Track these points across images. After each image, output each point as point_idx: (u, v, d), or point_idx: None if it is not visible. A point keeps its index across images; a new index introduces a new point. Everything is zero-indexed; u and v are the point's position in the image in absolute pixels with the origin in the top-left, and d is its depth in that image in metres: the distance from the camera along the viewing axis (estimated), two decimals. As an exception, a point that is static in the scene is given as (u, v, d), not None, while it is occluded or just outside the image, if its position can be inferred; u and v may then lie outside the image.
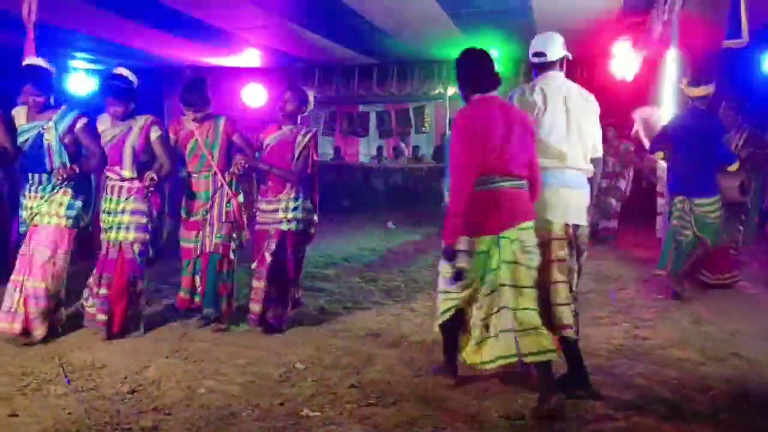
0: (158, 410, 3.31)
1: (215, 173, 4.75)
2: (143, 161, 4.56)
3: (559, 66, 3.79)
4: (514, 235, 3.39)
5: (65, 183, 4.39)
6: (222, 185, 4.75)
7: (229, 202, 4.76)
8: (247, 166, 4.73)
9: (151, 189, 4.48)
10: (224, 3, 7.52)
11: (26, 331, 4.31)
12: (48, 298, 4.35)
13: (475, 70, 3.60)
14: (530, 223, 3.45)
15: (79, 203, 4.46)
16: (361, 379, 3.78)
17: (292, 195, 4.72)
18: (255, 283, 4.72)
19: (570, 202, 3.65)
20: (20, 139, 4.42)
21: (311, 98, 4.99)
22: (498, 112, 3.47)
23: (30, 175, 4.45)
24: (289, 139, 4.77)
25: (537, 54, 3.79)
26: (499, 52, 9.60)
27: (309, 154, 4.80)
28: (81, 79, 11.88)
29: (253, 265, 4.75)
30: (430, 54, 10.74)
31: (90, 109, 4.71)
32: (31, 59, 4.67)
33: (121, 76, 4.57)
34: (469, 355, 3.52)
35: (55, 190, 4.40)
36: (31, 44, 6.47)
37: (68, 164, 4.39)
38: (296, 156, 4.75)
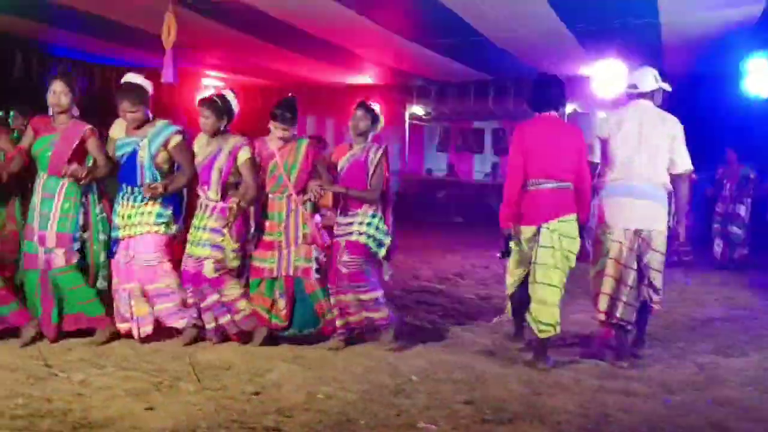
0: (280, 412, 3.44)
1: (290, 195, 4.69)
2: (232, 182, 4.62)
3: (650, 96, 4.51)
4: (554, 225, 4.23)
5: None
6: (297, 207, 4.69)
7: (305, 224, 4.69)
8: (323, 192, 4.68)
9: (232, 217, 4.44)
10: (346, 23, 7.77)
11: (153, 332, 4.62)
12: (173, 293, 4.60)
13: (534, 94, 4.49)
14: (572, 216, 4.29)
15: (167, 212, 4.59)
16: (476, 395, 3.78)
17: (369, 212, 4.66)
18: (337, 298, 4.61)
19: (634, 210, 4.36)
20: (118, 153, 4.59)
21: (381, 115, 4.86)
22: (549, 129, 4.37)
23: (124, 185, 4.61)
24: (360, 159, 4.68)
25: (630, 86, 4.58)
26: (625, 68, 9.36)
27: (382, 171, 4.68)
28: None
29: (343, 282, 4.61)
30: (550, 70, 10.59)
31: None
32: (129, 76, 4.77)
33: (221, 96, 4.71)
34: (537, 318, 4.30)
35: (144, 201, 4.54)
36: (169, 63, 6.94)
37: (157, 179, 4.51)
38: (370, 174, 4.66)
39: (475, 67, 10.70)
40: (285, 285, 4.68)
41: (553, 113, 4.41)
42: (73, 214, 4.52)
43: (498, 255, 4.73)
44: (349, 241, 4.62)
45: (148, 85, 4.68)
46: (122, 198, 4.63)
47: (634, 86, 4.52)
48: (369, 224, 4.64)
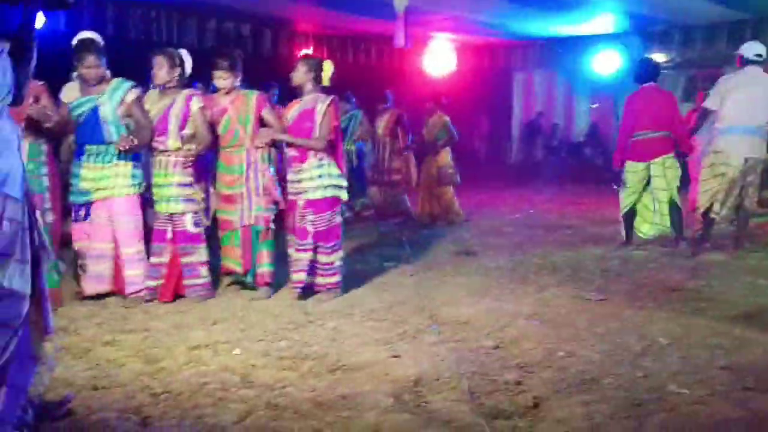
0: (520, 367, 3.45)
1: (248, 149, 4.79)
2: (189, 135, 4.68)
3: (760, 63, 6.01)
4: (660, 161, 6.16)
5: (124, 155, 4.52)
6: (255, 160, 4.80)
7: (264, 175, 4.81)
8: (269, 139, 4.77)
9: (189, 161, 4.64)
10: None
11: (119, 292, 4.74)
12: (141, 260, 4.70)
13: (639, 71, 6.45)
14: (670, 155, 6.19)
15: (139, 171, 4.67)
16: (734, 362, 3.47)
17: (315, 163, 4.68)
18: (297, 255, 4.77)
19: (745, 143, 5.98)
20: (74, 113, 4.55)
21: (327, 67, 4.78)
22: (651, 95, 6.24)
23: (86, 146, 4.58)
24: (308, 108, 4.72)
25: (757, 54, 6.02)
26: None
27: (330, 121, 4.71)
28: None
29: (292, 237, 4.85)
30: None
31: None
32: (84, 33, 4.72)
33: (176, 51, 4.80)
34: (638, 228, 6.50)
35: (114, 162, 4.55)
36: (401, 28, 7.15)
37: (126, 135, 4.50)
38: (317, 123, 4.67)
39: (727, 5, 9.60)
40: (243, 235, 4.84)
41: (653, 84, 6.27)
42: (37, 175, 4.51)
43: (615, 187, 6.56)
44: (309, 200, 4.70)
45: (102, 43, 4.66)
46: (87, 160, 4.59)
47: (759, 55, 6.01)
48: (320, 176, 4.69)
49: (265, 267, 4.92)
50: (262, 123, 4.87)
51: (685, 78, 14.17)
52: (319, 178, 4.70)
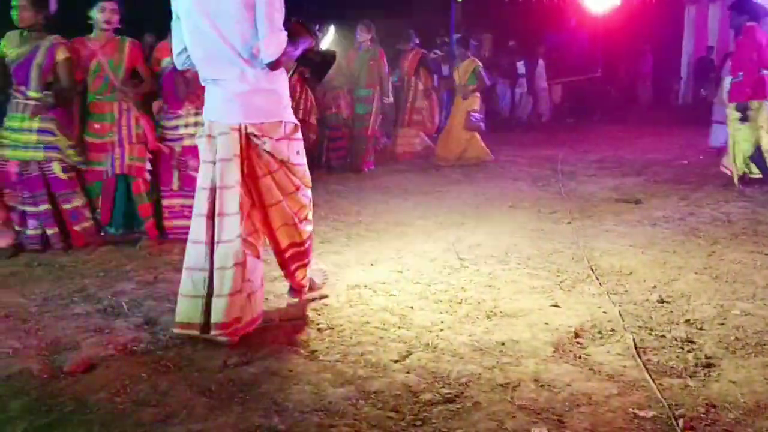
0: (690, 323, 3.26)
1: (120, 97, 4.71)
2: (49, 81, 4.52)
3: None
4: None
5: None
6: (129, 108, 4.72)
7: (138, 123, 4.75)
8: (132, 94, 4.72)
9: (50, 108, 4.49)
10: None
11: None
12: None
13: (751, 9, 6.27)
14: None
15: None
16: None
17: (192, 111, 4.75)
18: (177, 201, 4.82)
19: None
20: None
21: None
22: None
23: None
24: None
25: None
26: None
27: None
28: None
29: (175, 186, 4.85)
30: None
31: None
32: None
33: None
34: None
35: None
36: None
37: None
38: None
39: None
40: (105, 185, 4.75)
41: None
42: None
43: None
44: (187, 147, 4.75)
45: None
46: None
47: None
48: (196, 124, 4.67)
49: (152, 218, 4.87)
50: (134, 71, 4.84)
51: None
52: (194, 126, 4.74)
